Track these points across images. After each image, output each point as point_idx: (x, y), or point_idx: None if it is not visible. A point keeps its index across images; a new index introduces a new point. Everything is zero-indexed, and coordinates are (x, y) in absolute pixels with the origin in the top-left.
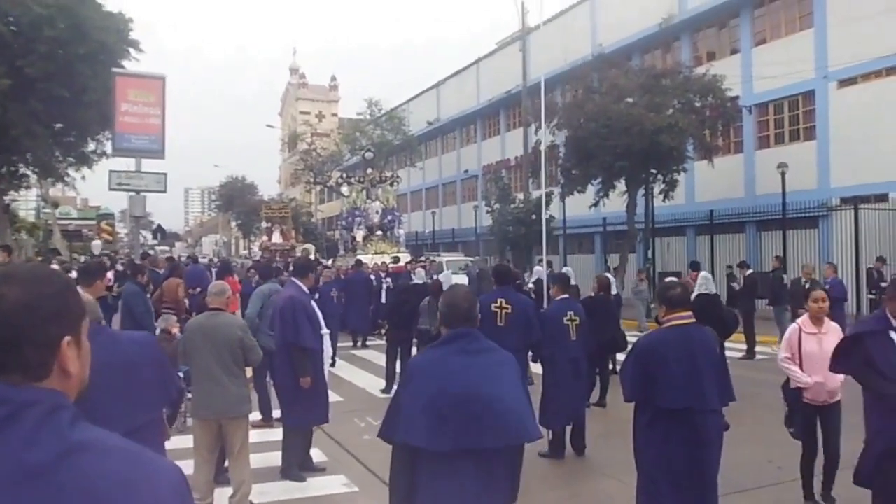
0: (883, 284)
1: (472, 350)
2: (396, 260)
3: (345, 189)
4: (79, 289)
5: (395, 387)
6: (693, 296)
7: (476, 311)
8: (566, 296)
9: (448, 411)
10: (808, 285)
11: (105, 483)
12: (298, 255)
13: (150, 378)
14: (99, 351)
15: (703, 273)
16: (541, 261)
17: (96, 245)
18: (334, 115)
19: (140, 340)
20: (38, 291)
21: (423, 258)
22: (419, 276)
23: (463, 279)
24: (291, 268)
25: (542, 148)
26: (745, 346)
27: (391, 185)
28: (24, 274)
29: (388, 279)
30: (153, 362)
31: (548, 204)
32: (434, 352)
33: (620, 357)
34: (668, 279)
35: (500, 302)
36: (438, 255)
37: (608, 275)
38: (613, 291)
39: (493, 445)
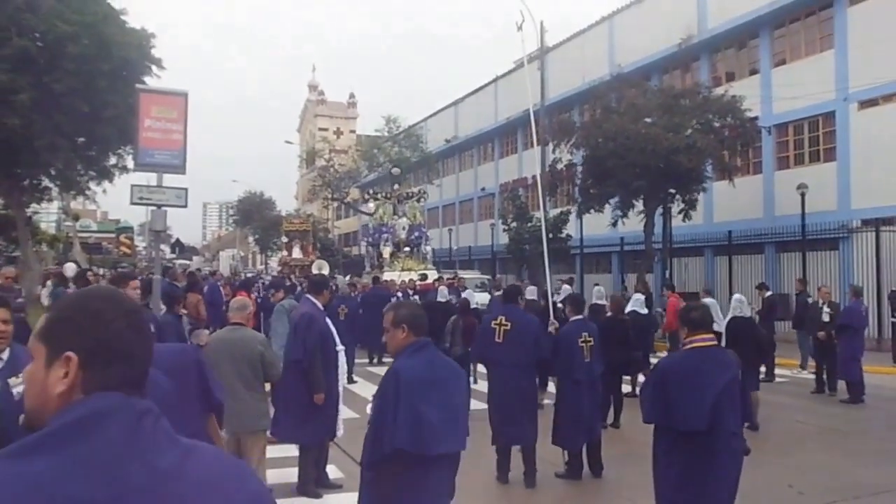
0: None
1: (437, 361)
2: (424, 277)
3: (371, 205)
4: None
5: None
6: (727, 319)
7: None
8: (580, 316)
9: (430, 419)
10: (824, 307)
11: (220, 474)
12: (314, 271)
13: (195, 386)
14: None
15: (737, 296)
16: (564, 280)
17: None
18: (352, 131)
19: (179, 348)
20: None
21: (451, 276)
22: (442, 295)
23: (484, 297)
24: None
25: (539, 172)
26: (764, 369)
27: (418, 201)
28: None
29: (416, 297)
30: (196, 367)
31: (565, 223)
32: (415, 360)
33: (642, 379)
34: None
35: (501, 319)
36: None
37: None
38: (644, 310)
39: (459, 449)
